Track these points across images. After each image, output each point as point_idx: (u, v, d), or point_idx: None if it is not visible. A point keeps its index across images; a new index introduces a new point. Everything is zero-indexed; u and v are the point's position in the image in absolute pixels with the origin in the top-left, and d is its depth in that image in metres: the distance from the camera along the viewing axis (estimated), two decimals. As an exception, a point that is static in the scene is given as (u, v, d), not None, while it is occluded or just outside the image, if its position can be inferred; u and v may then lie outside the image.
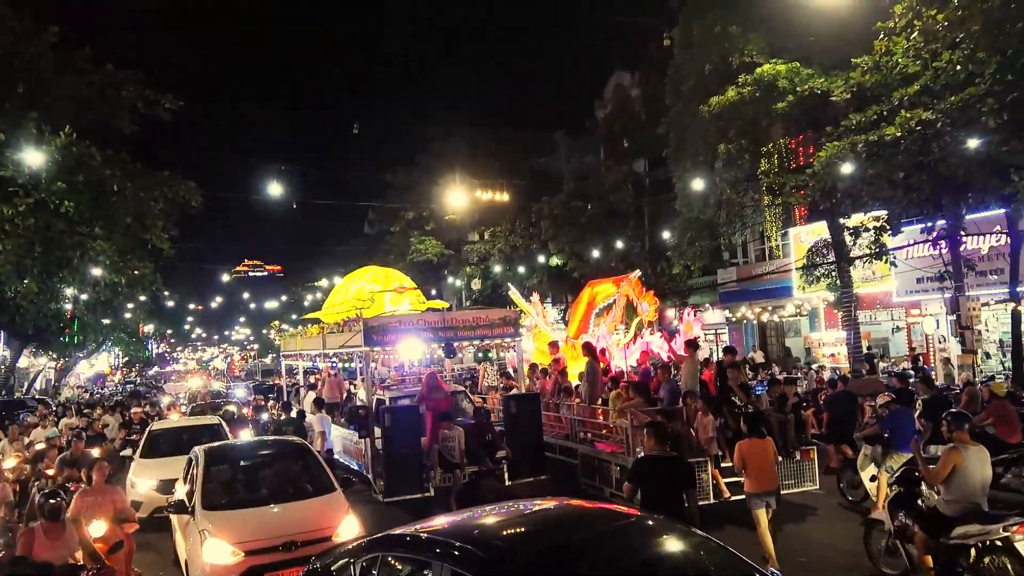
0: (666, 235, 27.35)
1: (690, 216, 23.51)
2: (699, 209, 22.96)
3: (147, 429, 14.00)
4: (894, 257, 19.80)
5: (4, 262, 17.73)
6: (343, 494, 8.45)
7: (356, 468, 12.74)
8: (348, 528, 7.65)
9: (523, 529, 4.50)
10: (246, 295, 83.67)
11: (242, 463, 9.33)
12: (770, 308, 29.58)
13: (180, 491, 9.15)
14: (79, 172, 17.77)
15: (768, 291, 29.26)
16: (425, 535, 4.46)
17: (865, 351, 22.86)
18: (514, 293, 18.57)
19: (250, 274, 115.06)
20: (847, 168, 16.74)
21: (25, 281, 19.69)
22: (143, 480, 11.79)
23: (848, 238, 20.80)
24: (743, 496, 8.54)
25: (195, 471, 8.44)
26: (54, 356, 41.60)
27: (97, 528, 7.46)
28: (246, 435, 14.84)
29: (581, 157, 38.72)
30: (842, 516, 10.47)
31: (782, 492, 8.99)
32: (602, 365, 13.70)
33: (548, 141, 42.06)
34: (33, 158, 15.91)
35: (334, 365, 17.43)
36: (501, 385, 16.87)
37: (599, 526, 4.34)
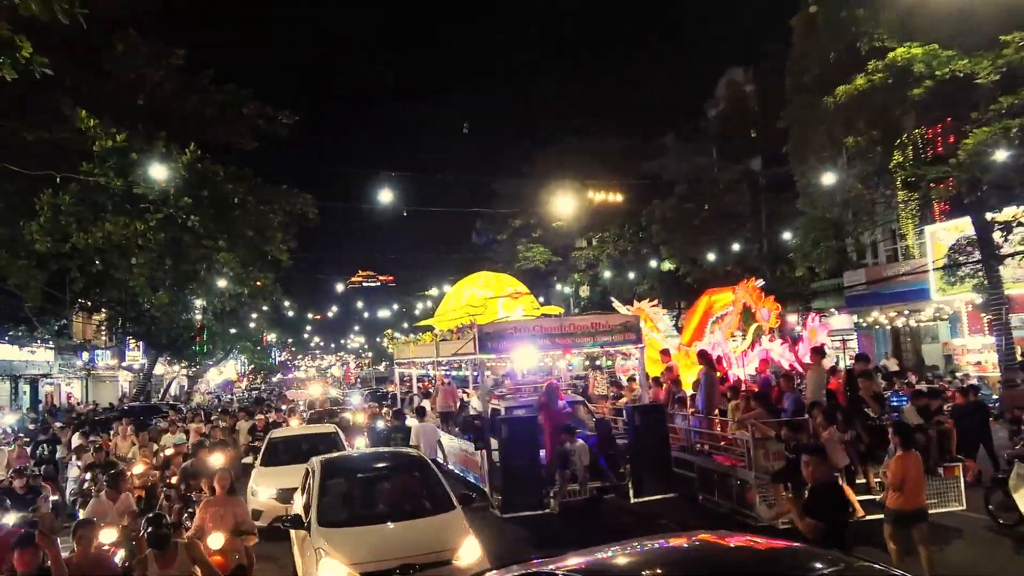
0: (787, 236, 25.90)
1: (814, 215, 22.13)
2: (824, 208, 21.59)
3: (267, 437, 14.03)
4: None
5: (139, 275, 18.87)
6: (463, 512, 7.96)
7: (472, 480, 12.24)
8: (469, 551, 7.15)
9: None
10: (360, 304, 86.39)
11: (359, 476, 9.01)
12: (906, 312, 27.38)
13: (297, 503, 9.02)
14: (204, 187, 18.58)
15: (902, 294, 27.14)
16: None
17: (1019, 358, 20.69)
18: (617, 305, 17.56)
19: (364, 284, 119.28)
20: (999, 155, 15.14)
21: (158, 292, 20.80)
22: (263, 488, 11.79)
23: (997, 234, 18.93)
24: (877, 516, 8.23)
25: (311, 483, 8.26)
26: (186, 364, 44.11)
27: (215, 541, 7.25)
28: (361, 443, 14.90)
29: (692, 158, 37.46)
30: (991, 540, 9.50)
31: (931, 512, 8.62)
32: (719, 374, 12.89)
33: (657, 143, 41.02)
34: (161, 173, 16.69)
35: (448, 373, 17.08)
36: (611, 394, 16.25)
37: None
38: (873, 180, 20.19)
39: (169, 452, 12.41)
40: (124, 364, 41.60)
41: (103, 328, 36.30)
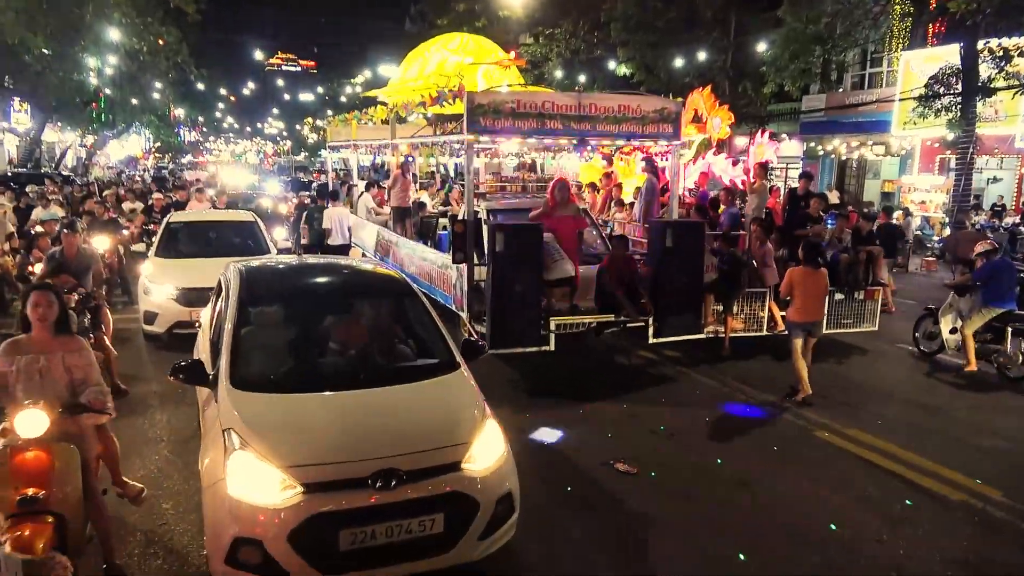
0: (760, 48, 23.79)
1: (796, 26, 20.02)
2: (809, 18, 19.50)
3: (165, 220, 11.24)
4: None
5: (6, 8, 15.28)
6: (469, 373, 4.96)
7: (440, 300, 9.30)
8: (487, 448, 4.34)
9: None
10: (280, 83, 80.00)
11: (302, 302, 5.51)
12: (869, 144, 26.35)
13: (202, 341, 6.04)
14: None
15: (861, 124, 26.01)
16: None
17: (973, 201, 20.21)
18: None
19: (283, 68, 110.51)
20: None
21: (34, 36, 17.27)
22: (159, 286, 9.33)
23: (985, 67, 17.53)
24: None
25: (224, 308, 5.19)
26: (80, 132, 39.71)
27: (29, 424, 3.83)
28: (280, 233, 12.95)
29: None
30: (899, 361, 10.02)
31: (840, 331, 9.91)
32: (661, 184, 11.95)
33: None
34: None
35: (409, 160, 13.38)
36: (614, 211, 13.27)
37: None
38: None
39: (38, 231, 10.23)
40: (8, 126, 36.93)
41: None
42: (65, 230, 7.89)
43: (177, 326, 8.97)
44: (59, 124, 37.68)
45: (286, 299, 5.53)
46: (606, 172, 14.15)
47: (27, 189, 16.67)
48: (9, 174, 25.83)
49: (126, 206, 14.60)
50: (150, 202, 15.06)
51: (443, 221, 11.06)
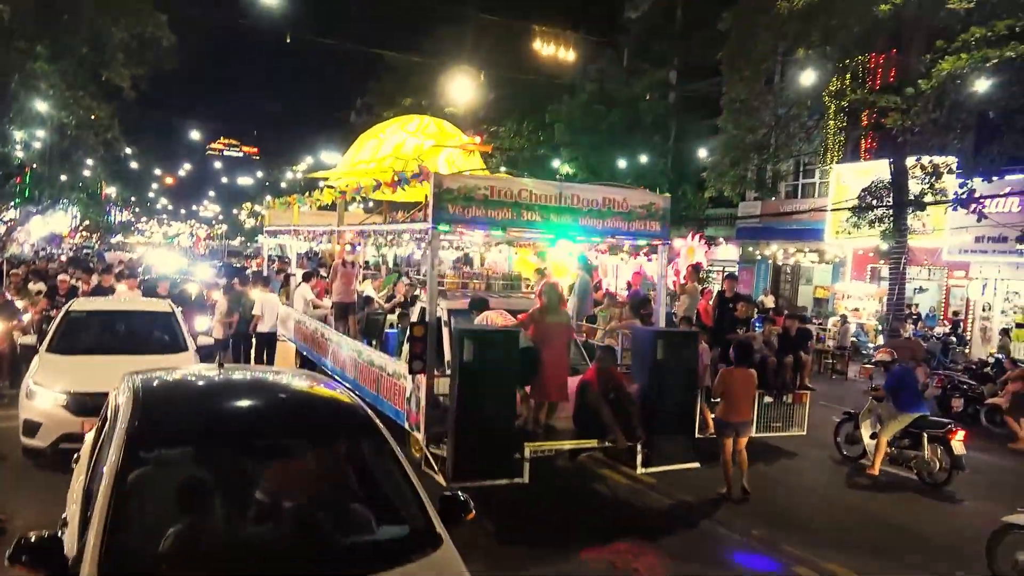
0: (700, 154, 24.42)
1: (736, 134, 20.59)
2: (747, 127, 20.09)
3: (65, 308, 9.71)
4: (982, 206, 17.09)
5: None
6: (456, 553, 3.56)
7: (388, 414, 7.79)
8: None
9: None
10: (218, 166, 79.11)
11: (218, 443, 3.89)
12: (805, 251, 27.09)
13: (76, 483, 4.35)
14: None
15: (795, 231, 26.71)
16: None
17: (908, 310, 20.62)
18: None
19: (225, 153, 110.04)
20: (981, 84, 13.92)
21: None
22: (45, 390, 7.72)
23: (914, 182, 18.20)
24: None
25: (108, 444, 3.75)
26: (1, 207, 37.88)
27: None
28: (203, 323, 11.88)
29: (601, 61, 35.11)
30: (824, 467, 10.03)
31: (769, 435, 9.83)
32: (594, 281, 11.81)
33: (565, 39, 38.17)
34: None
35: (355, 249, 12.11)
36: (604, 314, 11.65)
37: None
38: (805, 104, 18.72)
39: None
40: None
41: None
42: None
43: (65, 439, 7.32)
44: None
45: (195, 438, 3.81)
46: (538, 268, 13.64)
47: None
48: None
49: (31, 287, 13.34)
50: (53, 283, 13.64)
51: (391, 318, 10.22)
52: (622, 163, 27.48)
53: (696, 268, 11.99)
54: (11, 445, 7.97)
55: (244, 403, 4.39)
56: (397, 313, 9.95)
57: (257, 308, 12.38)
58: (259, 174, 71.86)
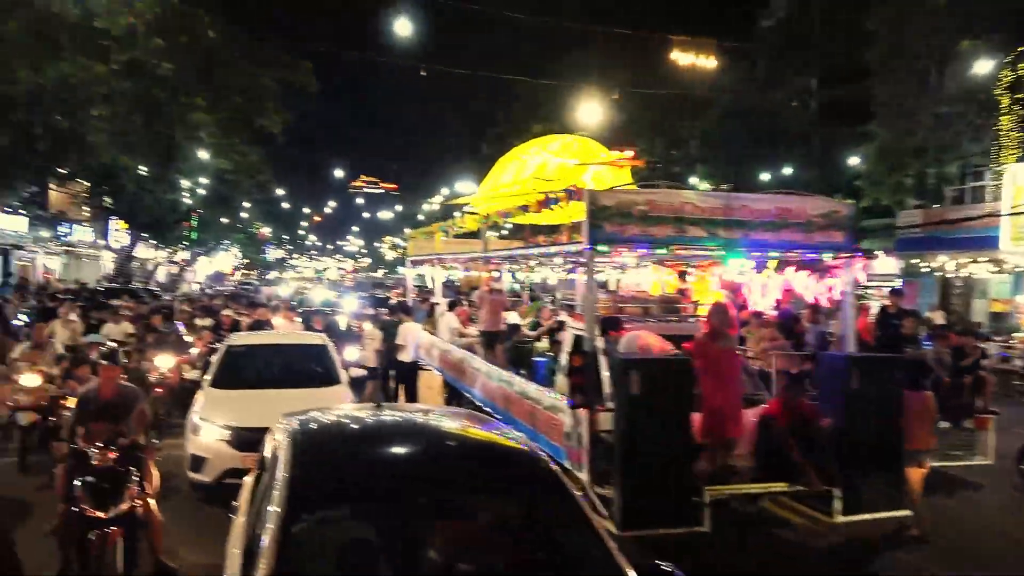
0: (851, 162, 22.83)
1: (892, 137, 19.06)
2: (904, 131, 18.56)
3: (224, 344, 9.89)
4: None
5: (100, 129, 15.89)
6: None
7: (550, 451, 6.55)
8: None
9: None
10: (360, 201, 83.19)
11: (387, 496, 3.46)
12: (979, 260, 24.54)
13: (235, 535, 4.00)
14: (183, 33, 15.54)
15: (965, 240, 24.21)
16: None
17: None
18: None
19: (365, 190, 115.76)
20: None
21: (126, 157, 17.89)
22: (210, 425, 7.80)
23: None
24: None
25: (266, 498, 3.47)
26: (172, 249, 41.48)
27: None
28: (353, 354, 12.11)
29: (736, 73, 33.91)
30: (1014, 500, 8.82)
31: (949, 464, 8.60)
32: (739, 301, 11.06)
33: (699, 49, 37.20)
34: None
35: (498, 277, 11.62)
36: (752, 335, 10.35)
37: None
38: (975, 100, 17.02)
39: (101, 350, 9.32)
40: (105, 243, 38.88)
41: (80, 200, 33.36)
42: (103, 361, 6.29)
43: (229, 475, 7.33)
44: (152, 241, 39.47)
45: (361, 494, 3.43)
46: (679, 288, 12.92)
47: (111, 302, 16.73)
48: (102, 288, 26.69)
49: (198, 323, 14.26)
50: (217, 319, 14.49)
51: (539, 346, 9.92)
52: (765, 176, 26.22)
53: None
54: (182, 479, 8.16)
55: (410, 452, 3.98)
56: (548, 341, 9.63)
57: (400, 337, 12.53)
58: (398, 207, 74.84)
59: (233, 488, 6.96)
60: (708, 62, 35.19)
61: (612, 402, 6.29)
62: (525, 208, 8.00)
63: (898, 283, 26.91)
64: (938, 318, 23.71)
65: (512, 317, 11.97)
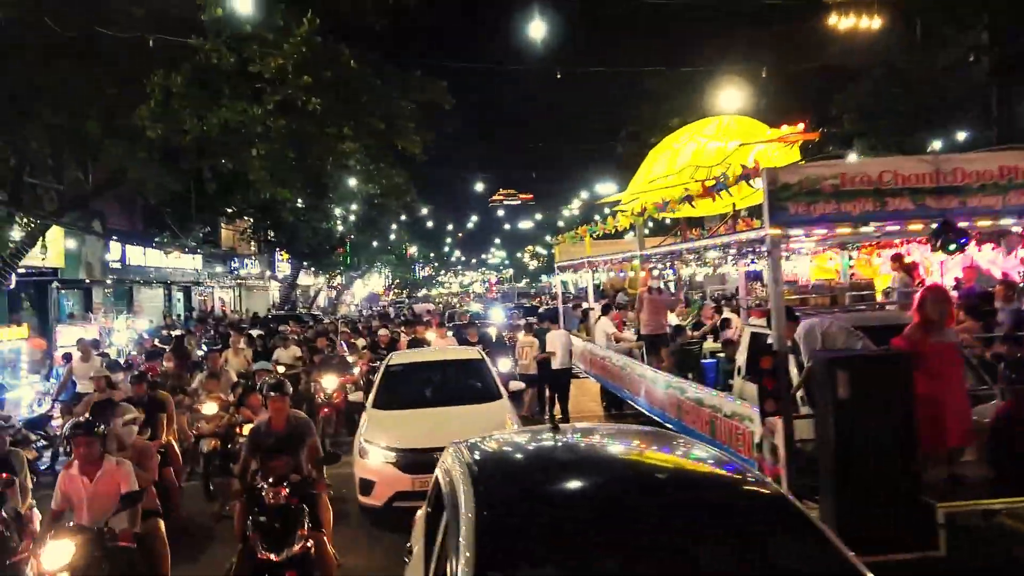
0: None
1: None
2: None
3: (383, 364, 10.08)
4: None
5: (260, 168, 16.94)
6: None
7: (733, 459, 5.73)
8: None
9: None
10: (500, 213, 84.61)
11: (598, 541, 2.87)
12: None
13: (415, 562, 4.01)
14: (327, 68, 16.22)
15: None
16: None
17: None
18: None
19: (505, 203, 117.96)
20: None
21: (283, 189, 18.91)
22: (376, 447, 7.79)
23: None
24: None
25: (448, 545, 3.01)
26: (328, 275, 43.90)
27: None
28: (506, 365, 12.09)
29: (893, 38, 31.20)
30: None
31: None
32: (916, 281, 10.17)
33: (849, 14, 34.58)
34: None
35: (660, 276, 11.32)
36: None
37: None
38: None
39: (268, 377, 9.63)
40: (271, 274, 41.80)
41: (247, 236, 36.04)
42: (272, 393, 6.12)
43: (399, 498, 7.38)
44: (312, 269, 41.89)
45: (567, 542, 2.85)
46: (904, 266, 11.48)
47: (279, 329, 17.76)
48: (271, 316, 28.57)
49: (358, 343, 14.77)
50: (374, 339, 14.94)
51: (708, 346, 9.35)
52: (936, 144, 23.93)
53: None
54: (351, 502, 8.19)
55: (618, 490, 3.21)
56: (718, 342, 9.06)
57: (549, 344, 12.47)
58: (538, 216, 75.35)
59: (402, 511, 6.89)
60: (863, 23, 32.69)
61: (807, 407, 5.70)
62: (689, 199, 7.42)
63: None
64: None
65: (671, 319, 11.42)
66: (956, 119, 24.34)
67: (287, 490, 5.33)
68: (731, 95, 30.60)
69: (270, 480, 5.39)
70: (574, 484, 3.34)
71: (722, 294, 24.10)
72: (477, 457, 3.59)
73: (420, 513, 4.47)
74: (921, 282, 11.20)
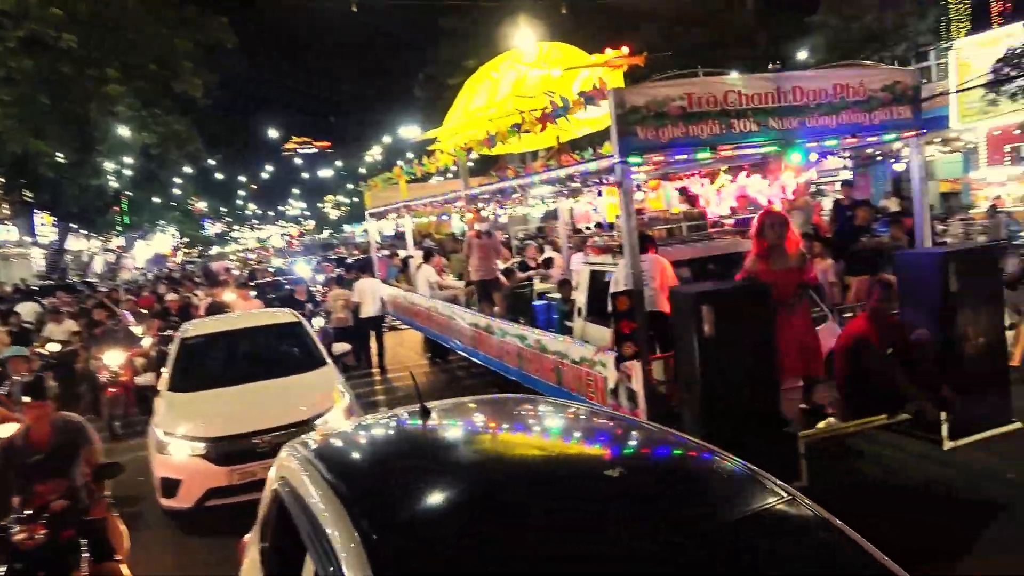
0: (801, 56, 22.36)
1: (839, 26, 18.58)
2: (851, 16, 18.06)
3: (178, 335, 8.15)
4: None
5: (4, 116, 14.37)
6: None
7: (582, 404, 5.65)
8: None
9: None
10: (297, 162, 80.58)
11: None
12: (936, 142, 24.57)
13: None
14: (80, 1, 14.06)
15: (914, 124, 24.25)
16: None
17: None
18: None
19: (299, 151, 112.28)
20: None
21: (39, 140, 16.35)
22: (179, 440, 6.32)
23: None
24: None
25: (331, 563, 2.03)
26: (104, 238, 39.41)
27: None
28: (319, 322, 11.41)
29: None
30: None
31: None
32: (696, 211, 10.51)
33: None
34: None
35: (490, 219, 10.11)
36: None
37: None
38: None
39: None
40: (32, 239, 36.70)
41: (-1, 196, 31.23)
42: (26, 398, 4.58)
43: (212, 495, 6.10)
44: (83, 231, 37.40)
45: (507, 559, 1.95)
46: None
47: (44, 302, 15.53)
48: (36, 287, 25.05)
49: (144, 311, 13.16)
50: (164, 306, 13.31)
51: (538, 287, 9.17)
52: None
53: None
54: (149, 501, 6.69)
55: (552, 485, 2.36)
56: (557, 282, 8.93)
57: (357, 295, 12.27)
58: (338, 163, 72.59)
59: (218, 511, 5.91)
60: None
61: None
62: (522, 129, 6.92)
63: (848, 175, 26.93)
64: (893, 204, 23.82)
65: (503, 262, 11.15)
66: (731, 59, 26.15)
67: (44, 528, 4.01)
68: (526, 33, 30.75)
69: (28, 513, 4.06)
70: (489, 488, 2.35)
71: (537, 233, 24.35)
72: (338, 466, 2.62)
73: (252, 548, 3.29)
74: (703, 213, 11.72)
